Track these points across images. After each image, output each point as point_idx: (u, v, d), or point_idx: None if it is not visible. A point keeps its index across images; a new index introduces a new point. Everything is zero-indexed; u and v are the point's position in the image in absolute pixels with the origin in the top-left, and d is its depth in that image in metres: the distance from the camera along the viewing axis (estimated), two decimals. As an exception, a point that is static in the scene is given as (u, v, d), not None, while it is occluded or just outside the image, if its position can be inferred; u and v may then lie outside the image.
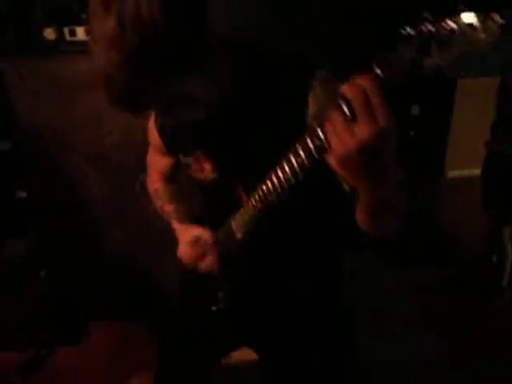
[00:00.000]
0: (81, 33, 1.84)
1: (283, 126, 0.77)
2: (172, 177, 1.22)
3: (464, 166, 3.32)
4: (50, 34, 1.85)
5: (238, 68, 0.82)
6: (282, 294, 1.06)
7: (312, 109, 0.74)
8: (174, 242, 1.22)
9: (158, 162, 1.21)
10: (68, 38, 1.85)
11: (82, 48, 1.83)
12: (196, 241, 1.08)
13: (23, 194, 2.26)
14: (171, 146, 1.06)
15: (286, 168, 0.73)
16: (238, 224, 0.97)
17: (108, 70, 0.65)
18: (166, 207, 1.19)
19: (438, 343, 2.16)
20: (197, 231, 1.09)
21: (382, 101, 0.59)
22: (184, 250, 1.13)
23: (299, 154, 0.69)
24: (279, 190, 0.78)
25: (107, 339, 2.12)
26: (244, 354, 1.25)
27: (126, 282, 2.18)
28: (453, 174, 3.37)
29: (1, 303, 2.17)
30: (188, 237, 1.11)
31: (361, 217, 0.78)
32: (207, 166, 0.97)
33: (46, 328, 2.13)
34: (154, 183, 1.24)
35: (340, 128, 0.61)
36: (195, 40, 0.68)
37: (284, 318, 1.08)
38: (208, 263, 1.08)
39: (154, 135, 1.09)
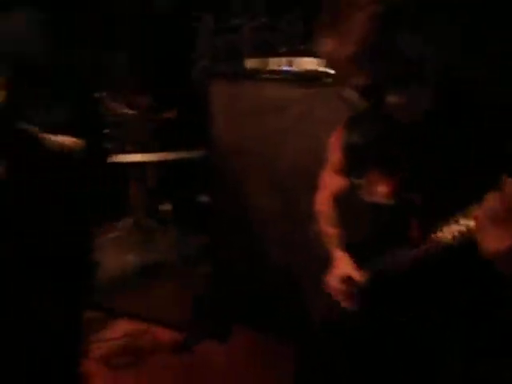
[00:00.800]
0: (274, 63, 2.06)
1: (477, 166, 0.75)
2: (341, 199, 1.19)
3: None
4: (251, 63, 2.12)
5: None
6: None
7: None
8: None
9: (330, 182, 1.21)
10: (265, 67, 2.09)
11: (275, 76, 2.06)
12: (348, 280, 1.06)
13: (205, 199, 2.56)
14: (350, 165, 1.05)
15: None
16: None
17: (354, 45, 0.76)
18: (330, 229, 1.18)
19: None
20: (352, 272, 1.06)
21: None
22: (333, 282, 1.12)
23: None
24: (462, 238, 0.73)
25: (251, 347, 2.21)
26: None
27: (279, 296, 2.25)
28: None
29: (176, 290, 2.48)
30: (342, 272, 1.08)
31: None
32: (382, 190, 0.94)
33: (201, 320, 2.35)
34: (322, 204, 1.24)
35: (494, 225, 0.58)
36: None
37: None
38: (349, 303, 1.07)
39: (334, 153, 1.11)
